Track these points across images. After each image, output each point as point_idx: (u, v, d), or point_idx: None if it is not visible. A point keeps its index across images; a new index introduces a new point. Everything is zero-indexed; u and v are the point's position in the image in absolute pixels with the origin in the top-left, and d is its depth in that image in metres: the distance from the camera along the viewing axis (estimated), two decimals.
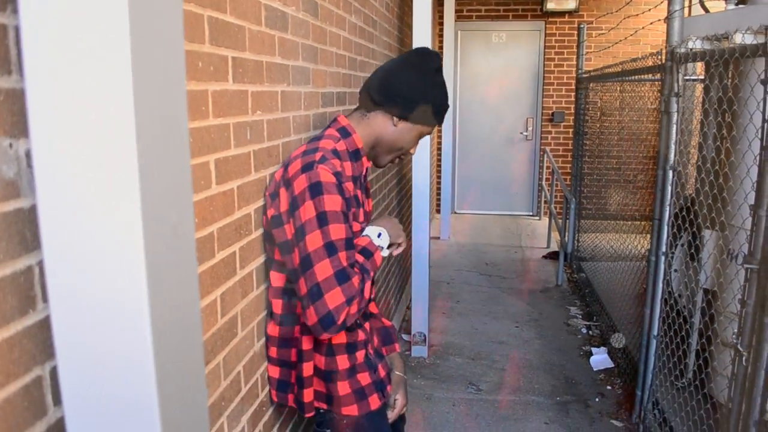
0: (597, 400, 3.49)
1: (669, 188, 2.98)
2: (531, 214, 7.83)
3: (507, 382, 3.66)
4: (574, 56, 7.24)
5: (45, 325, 0.77)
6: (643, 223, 5.60)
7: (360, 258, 1.49)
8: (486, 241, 6.74)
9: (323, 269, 1.38)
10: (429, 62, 1.58)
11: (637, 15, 5.01)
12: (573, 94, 7.21)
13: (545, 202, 7.52)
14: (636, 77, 3.71)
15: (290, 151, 1.73)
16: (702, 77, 3.63)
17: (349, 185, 1.47)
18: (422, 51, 1.62)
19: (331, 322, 1.38)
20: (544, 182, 7.40)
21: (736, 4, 2.97)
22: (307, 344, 1.55)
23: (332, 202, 1.39)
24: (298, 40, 1.80)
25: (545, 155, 7.16)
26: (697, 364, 2.91)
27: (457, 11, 7.03)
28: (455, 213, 7.83)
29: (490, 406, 3.38)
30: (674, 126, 2.95)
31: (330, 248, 1.38)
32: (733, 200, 2.97)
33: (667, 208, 3.00)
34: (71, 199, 0.70)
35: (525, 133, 7.69)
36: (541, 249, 6.42)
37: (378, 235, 1.56)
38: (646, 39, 6.72)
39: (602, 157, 5.54)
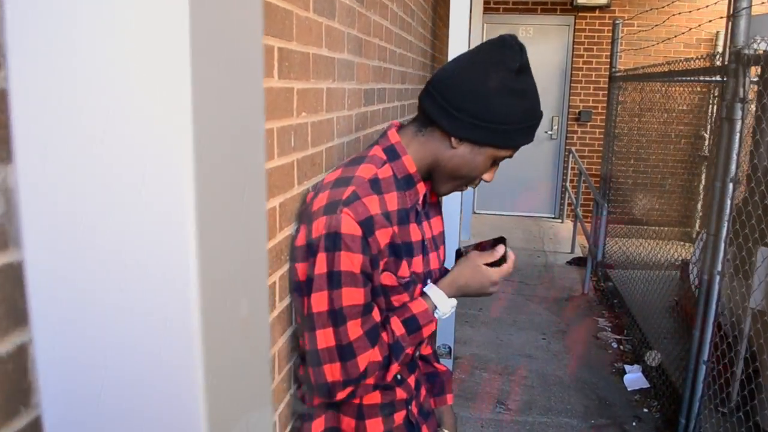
0: (634, 424, 3.26)
1: (728, 202, 2.73)
2: (553, 216, 7.58)
3: (537, 401, 3.43)
4: (604, 53, 6.97)
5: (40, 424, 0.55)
6: (675, 229, 5.37)
7: (399, 330, 1.18)
8: (508, 245, 6.48)
9: (324, 338, 1.12)
10: (506, 59, 1.14)
11: (679, 13, 4.74)
12: (601, 92, 6.95)
13: (569, 204, 7.27)
14: (689, 78, 3.45)
15: (333, 158, 1.50)
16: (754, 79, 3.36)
17: (384, 233, 1.13)
18: (499, 43, 1.17)
19: (327, 394, 1.16)
20: (568, 184, 7.14)
21: None
22: (318, 398, 1.25)
23: (349, 262, 1.09)
24: (344, 29, 1.57)
25: (570, 156, 6.91)
26: (748, 389, 2.68)
27: (484, 3, 6.76)
28: (475, 213, 7.58)
29: (521, 428, 3.15)
30: (737, 135, 2.70)
31: (335, 317, 1.11)
32: None
33: (725, 224, 2.76)
34: (71, 253, 0.48)
35: (550, 132, 7.43)
36: (565, 254, 6.17)
37: (450, 307, 1.25)
38: (680, 37, 6.44)
39: (637, 160, 5.29)
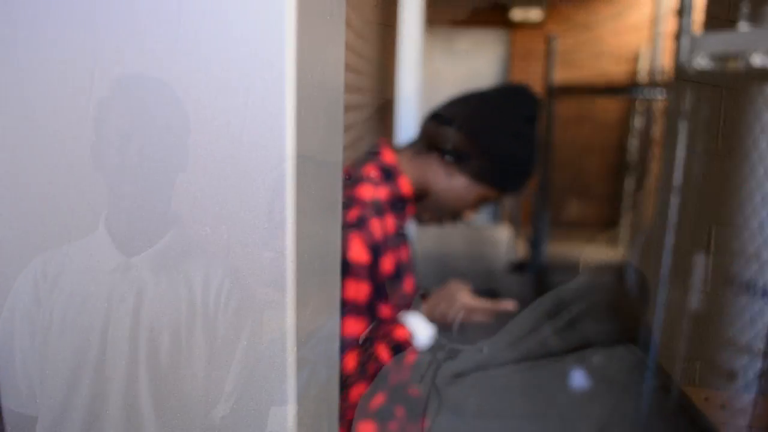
0: None
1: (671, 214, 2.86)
2: (491, 222, 7.72)
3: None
4: (539, 67, 7.17)
5: None
6: (608, 233, 5.58)
7: (385, 355, 1.10)
8: (448, 251, 6.57)
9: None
10: (521, 105, 1.16)
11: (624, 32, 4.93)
12: None
13: (507, 210, 7.43)
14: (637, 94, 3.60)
15: None
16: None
17: (386, 264, 1.07)
18: (516, 89, 1.20)
19: None
20: None
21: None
22: None
23: (354, 290, 1.03)
24: None
25: None
26: None
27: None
28: None
29: None
30: (681, 149, 2.83)
31: None
32: (735, 224, 2.89)
33: (669, 236, 2.88)
34: None
35: None
36: (504, 259, 6.30)
37: (426, 336, 1.16)
38: (607, 54, 6.71)
39: (569, 167, 5.49)
